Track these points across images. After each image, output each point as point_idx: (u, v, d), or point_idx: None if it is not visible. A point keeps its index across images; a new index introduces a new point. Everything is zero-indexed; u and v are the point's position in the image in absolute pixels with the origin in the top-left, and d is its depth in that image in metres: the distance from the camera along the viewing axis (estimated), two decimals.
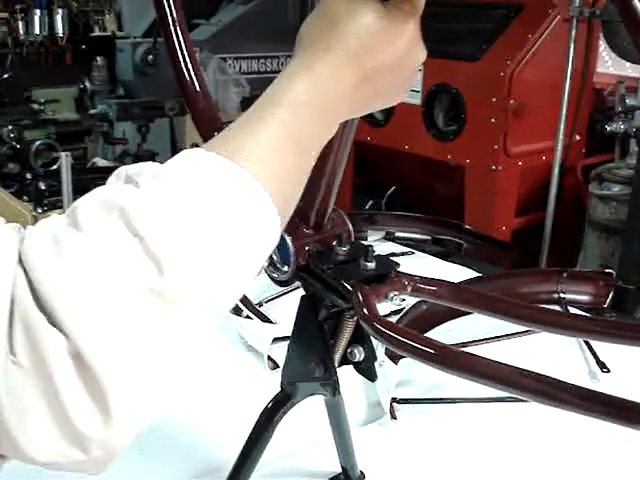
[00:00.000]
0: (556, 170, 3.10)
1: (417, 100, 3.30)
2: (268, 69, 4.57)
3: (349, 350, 0.98)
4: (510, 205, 3.26)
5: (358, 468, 1.15)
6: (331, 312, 0.97)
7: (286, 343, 1.03)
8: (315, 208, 0.98)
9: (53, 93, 4.63)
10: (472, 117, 3.16)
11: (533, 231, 3.22)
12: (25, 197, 2.49)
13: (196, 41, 4.36)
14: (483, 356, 0.78)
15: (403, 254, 1.96)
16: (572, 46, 2.91)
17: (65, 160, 1.75)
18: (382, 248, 1.95)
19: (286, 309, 1.67)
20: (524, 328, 1.50)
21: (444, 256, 2.01)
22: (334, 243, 0.98)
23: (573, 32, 2.90)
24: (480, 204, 3.20)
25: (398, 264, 0.94)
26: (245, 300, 1.62)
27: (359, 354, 0.98)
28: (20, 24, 4.86)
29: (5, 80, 4.50)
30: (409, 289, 0.91)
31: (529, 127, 3.13)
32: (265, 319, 1.60)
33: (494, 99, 3.06)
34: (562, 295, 1.55)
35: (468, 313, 1.56)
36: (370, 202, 2.02)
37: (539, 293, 1.56)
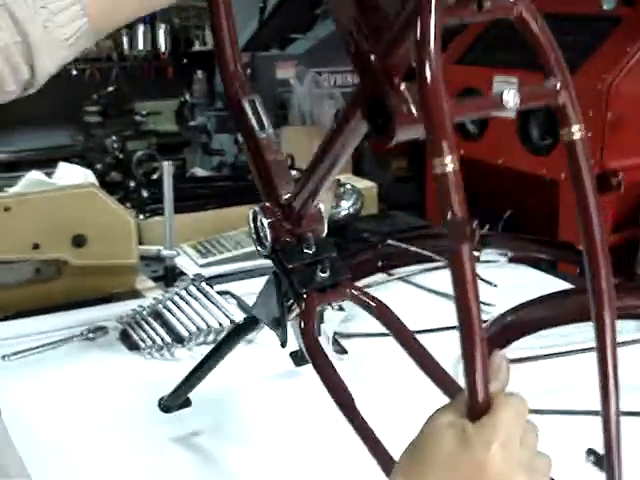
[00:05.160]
0: None
1: (512, 113, 3.28)
2: None
3: None
4: (606, 221, 3.20)
5: None
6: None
7: None
8: (299, 203, 1.03)
9: (155, 106, 4.81)
10: None
11: (630, 248, 3.16)
12: (128, 204, 2.57)
13: (293, 55, 4.44)
14: None
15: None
16: None
17: (167, 169, 1.82)
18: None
19: None
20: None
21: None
22: (305, 241, 1.03)
23: None
24: (575, 220, 3.15)
25: (350, 274, 1.02)
26: None
27: None
28: (125, 39, 5.05)
29: (110, 93, 4.68)
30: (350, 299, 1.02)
31: (627, 141, 3.07)
32: None
33: (591, 113, 3.02)
34: None
35: (559, 324, 1.55)
36: (487, 226, 2.04)
37: (619, 308, 1.55)
